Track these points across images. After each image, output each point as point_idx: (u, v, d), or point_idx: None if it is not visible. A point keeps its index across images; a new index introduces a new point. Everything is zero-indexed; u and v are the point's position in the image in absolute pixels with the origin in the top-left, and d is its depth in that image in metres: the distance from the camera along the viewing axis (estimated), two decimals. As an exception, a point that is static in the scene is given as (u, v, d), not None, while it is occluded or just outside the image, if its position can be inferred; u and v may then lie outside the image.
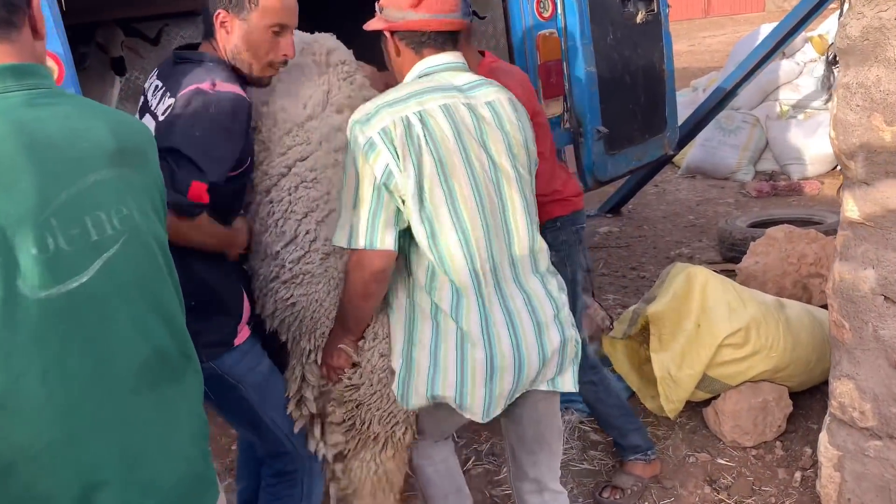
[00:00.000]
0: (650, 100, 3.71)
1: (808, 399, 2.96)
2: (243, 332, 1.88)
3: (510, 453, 2.00)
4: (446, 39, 1.74)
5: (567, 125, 3.38)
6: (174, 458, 1.17)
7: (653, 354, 2.81)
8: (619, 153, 3.51)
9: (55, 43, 2.06)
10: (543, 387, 1.83)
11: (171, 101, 1.72)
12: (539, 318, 1.75)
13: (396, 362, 1.82)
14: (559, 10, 3.19)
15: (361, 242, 1.65)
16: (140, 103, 1.90)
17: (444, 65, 1.73)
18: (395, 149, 1.61)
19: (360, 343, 1.87)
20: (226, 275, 1.86)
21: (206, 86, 1.69)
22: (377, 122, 1.63)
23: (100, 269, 1.08)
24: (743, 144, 6.21)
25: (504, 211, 1.74)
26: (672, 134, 3.88)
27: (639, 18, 3.52)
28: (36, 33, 1.16)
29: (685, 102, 6.78)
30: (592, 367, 2.54)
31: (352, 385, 1.90)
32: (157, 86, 1.84)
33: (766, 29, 6.02)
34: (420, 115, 1.64)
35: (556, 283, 1.84)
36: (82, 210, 1.07)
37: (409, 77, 1.75)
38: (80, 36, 5.25)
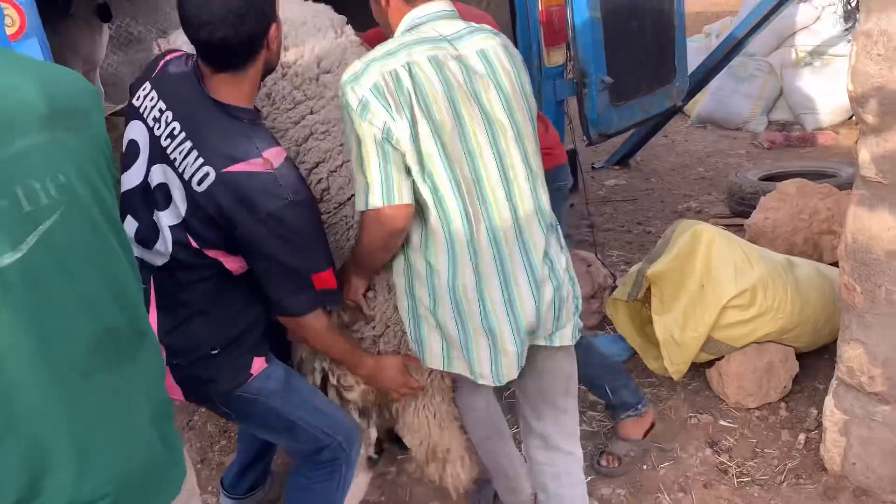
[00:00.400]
0: (658, 48, 3.54)
1: (815, 359, 2.88)
2: (257, 363, 1.80)
3: (517, 409, 2.01)
4: None
5: (570, 75, 3.24)
6: (132, 443, 1.10)
7: (655, 317, 2.73)
8: (626, 105, 3.37)
9: (15, -12, 1.94)
10: (541, 342, 1.80)
11: (210, 172, 1.58)
12: (536, 274, 1.72)
13: (406, 324, 1.82)
14: (562, -48, 3.01)
15: (378, 201, 1.60)
16: (128, 111, 1.76)
17: (434, 13, 1.67)
18: (388, 104, 1.56)
19: (372, 295, 1.90)
20: (255, 320, 1.80)
21: (260, 166, 1.58)
22: (367, 79, 1.58)
23: (36, 243, 0.98)
24: (757, 93, 6.01)
25: (503, 167, 1.69)
26: (682, 84, 3.72)
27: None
28: None
29: (697, 49, 6.55)
30: None
31: (372, 338, 1.94)
32: (160, 111, 1.68)
33: (783, -29, 5.75)
34: (408, 67, 1.59)
35: (555, 241, 1.80)
36: (11, 179, 0.97)
37: (399, 30, 1.69)
38: (66, -20, 5.09)
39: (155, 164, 1.68)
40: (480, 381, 1.77)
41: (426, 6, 1.67)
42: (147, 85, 1.72)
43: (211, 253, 1.65)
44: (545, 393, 1.92)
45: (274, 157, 1.61)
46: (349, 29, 2.02)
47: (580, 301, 1.85)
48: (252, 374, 1.77)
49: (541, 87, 3.20)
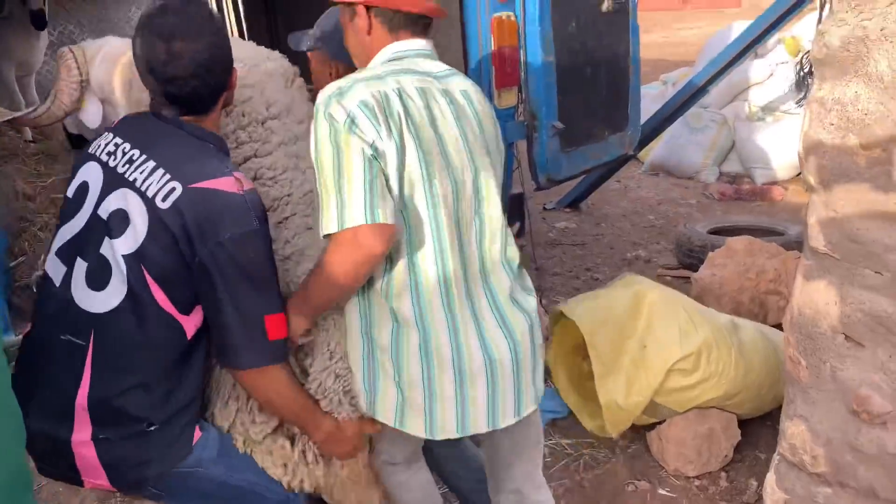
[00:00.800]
0: (612, 95, 3.48)
1: (758, 425, 2.79)
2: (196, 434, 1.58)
3: (487, 467, 1.91)
4: (423, 25, 1.64)
5: (521, 118, 3.13)
6: None
7: (597, 380, 2.60)
8: (576, 150, 3.28)
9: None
10: (525, 399, 1.69)
11: (176, 186, 1.46)
12: (506, 318, 1.64)
13: (357, 367, 1.67)
14: (517, -9, 2.92)
15: (359, 218, 1.43)
16: (77, 160, 1.61)
17: (417, 50, 1.63)
18: (377, 120, 1.47)
19: (309, 362, 1.68)
20: (199, 389, 1.60)
21: (231, 185, 1.48)
22: (354, 95, 1.48)
23: None
24: (709, 144, 6.04)
25: (479, 205, 1.63)
26: (634, 132, 3.66)
27: (604, 7, 3.27)
28: None
29: (654, 96, 6.59)
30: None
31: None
32: (117, 145, 1.56)
33: (739, 26, 5.83)
34: (399, 92, 1.52)
35: (520, 286, 1.71)
36: None
37: (377, 60, 1.62)
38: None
39: (110, 193, 1.52)
40: (439, 436, 1.63)
41: (410, 41, 1.62)
42: (103, 134, 1.62)
43: (159, 296, 1.46)
44: (519, 446, 1.82)
45: (244, 179, 1.52)
46: (300, 81, 1.92)
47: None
48: (192, 449, 1.55)
49: (490, 128, 3.09)
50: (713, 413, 2.59)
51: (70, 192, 1.59)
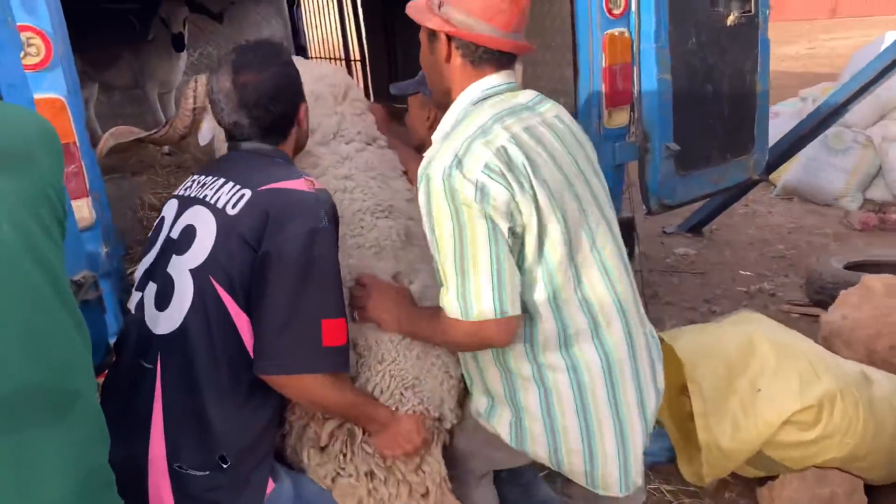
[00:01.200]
0: (736, 115, 3.22)
1: (890, 493, 2.47)
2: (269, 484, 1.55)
3: None
4: (508, 60, 1.52)
5: (633, 138, 2.97)
6: None
7: (697, 417, 2.39)
8: (693, 174, 3.06)
9: (44, 19, 1.85)
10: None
11: (245, 192, 1.47)
12: (656, 367, 1.60)
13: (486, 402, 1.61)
14: (633, 8, 2.77)
15: (486, 312, 1.37)
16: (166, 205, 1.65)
17: (505, 85, 1.52)
18: (508, 182, 1.38)
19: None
20: (271, 420, 1.56)
21: (301, 185, 1.49)
22: (475, 159, 1.39)
23: None
24: (852, 167, 5.52)
25: (613, 235, 1.56)
26: (760, 155, 3.38)
27: (730, 20, 3.04)
28: None
29: (792, 114, 6.14)
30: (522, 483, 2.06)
31: None
32: (198, 182, 1.60)
33: (891, 36, 5.32)
34: (514, 140, 1.42)
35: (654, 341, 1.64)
36: None
37: (463, 98, 1.52)
38: (148, 9, 5.25)
39: (182, 214, 1.55)
40: (602, 493, 1.56)
41: (496, 76, 1.51)
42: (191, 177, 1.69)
43: (228, 301, 1.44)
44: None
45: (316, 182, 1.54)
46: (353, 93, 1.91)
47: None
48: (266, 498, 1.51)
49: (598, 148, 2.94)
50: (835, 475, 2.31)
51: (151, 232, 1.62)
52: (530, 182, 1.40)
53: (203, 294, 1.44)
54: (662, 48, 2.80)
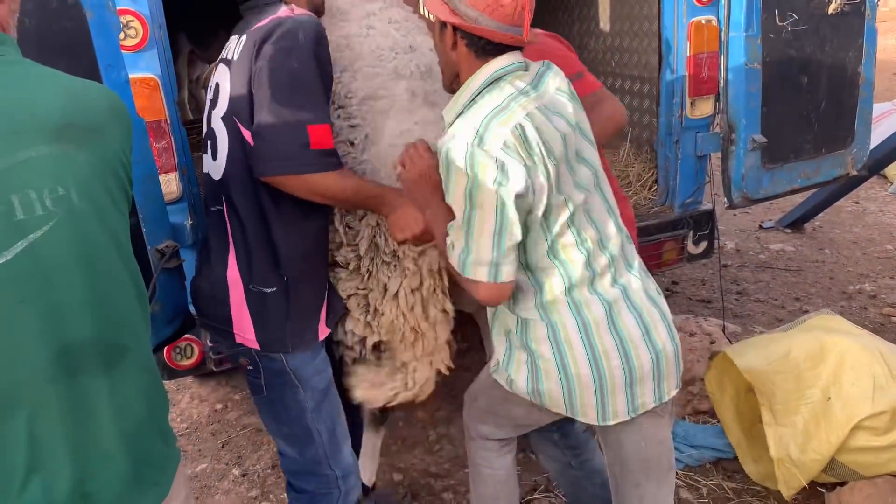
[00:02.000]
0: (834, 107, 3.06)
1: (973, 511, 2.33)
2: (323, 330, 1.80)
3: (613, 488, 1.83)
4: (507, 48, 1.61)
5: (717, 129, 2.89)
6: (88, 455, 1.09)
7: (767, 429, 2.33)
8: (781, 168, 2.94)
9: (143, 4, 2.03)
10: (649, 401, 1.65)
11: (243, 38, 1.68)
12: (645, 319, 1.63)
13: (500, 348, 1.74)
14: (722, -7, 2.69)
15: (481, 275, 1.56)
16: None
17: (511, 66, 1.61)
18: (523, 159, 1.51)
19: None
20: (322, 258, 1.80)
21: (283, 13, 1.65)
22: (493, 137, 1.51)
23: (23, 250, 1.01)
24: (979, 166, 5.11)
25: (604, 204, 1.66)
26: (860, 150, 3.19)
27: (831, 9, 2.88)
28: None
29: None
30: (573, 447, 2.07)
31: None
32: (228, 45, 1.80)
33: None
34: (531, 118, 1.54)
35: (653, 285, 1.72)
36: (8, 188, 1.00)
37: (476, 84, 1.61)
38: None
39: (215, 74, 1.78)
40: (580, 419, 1.67)
41: (501, 59, 1.60)
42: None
43: (246, 132, 1.64)
44: (650, 465, 1.74)
45: (297, 9, 1.67)
46: None
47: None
48: (318, 338, 1.76)
49: (679, 138, 2.89)
50: (908, 486, 2.21)
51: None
52: (543, 159, 1.52)
53: (233, 135, 1.65)
54: (752, 37, 2.70)
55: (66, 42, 1.60)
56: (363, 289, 1.88)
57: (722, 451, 2.69)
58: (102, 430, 1.10)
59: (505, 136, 1.50)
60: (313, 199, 1.65)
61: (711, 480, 2.62)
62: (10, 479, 1.03)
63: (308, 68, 1.59)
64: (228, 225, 1.72)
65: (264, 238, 1.69)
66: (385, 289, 1.86)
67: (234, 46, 1.72)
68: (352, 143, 1.83)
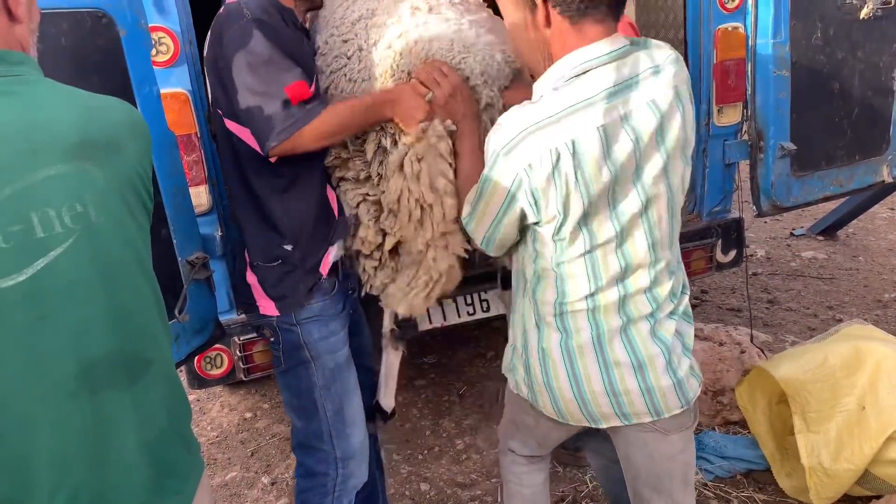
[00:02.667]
0: (868, 113, 3.01)
1: None
2: (326, 263, 1.87)
3: (630, 499, 1.83)
4: (611, 8, 1.42)
5: (745, 136, 2.86)
6: (110, 467, 1.11)
7: (798, 437, 2.30)
8: (812, 175, 2.90)
9: (174, 20, 2.08)
10: (646, 419, 1.63)
11: (209, 33, 1.75)
12: (639, 355, 1.58)
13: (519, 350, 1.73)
14: (749, 1, 2.66)
15: (478, 239, 1.65)
16: None
17: (605, 56, 1.43)
18: (538, 191, 1.45)
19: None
20: (324, 218, 1.88)
21: (228, 4, 1.72)
22: (522, 154, 1.43)
23: (43, 267, 1.03)
24: None
25: (650, 243, 1.54)
26: None
27: (863, 13, 2.85)
28: (12, 17, 1.09)
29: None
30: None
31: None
32: None
33: None
34: (573, 145, 1.41)
35: (678, 328, 1.62)
36: (28, 206, 1.02)
37: (558, 71, 1.46)
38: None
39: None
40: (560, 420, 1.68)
41: (596, 46, 1.42)
42: None
43: (227, 121, 1.75)
44: (661, 481, 1.72)
45: None
46: None
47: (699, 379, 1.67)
48: (322, 274, 1.84)
49: (707, 146, 2.87)
50: (946, 501, 2.16)
51: None
52: (566, 195, 1.44)
53: (219, 125, 1.77)
54: (781, 44, 2.67)
55: (99, 59, 1.64)
56: (373, 195, 1.90)
57: (753, 463, 2.65)
58: (124, 442, 1.12)
59: (535, 156, 1.42)
60: (324, 144, 1.74)
61: (742, 492, 2.59)
62: (34, 494, 1.04)
63: (259, 41, 1.64)
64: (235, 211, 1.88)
65: (263, 218, 1.80)
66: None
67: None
68: (348, 57, 1.86)
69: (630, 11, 3.47)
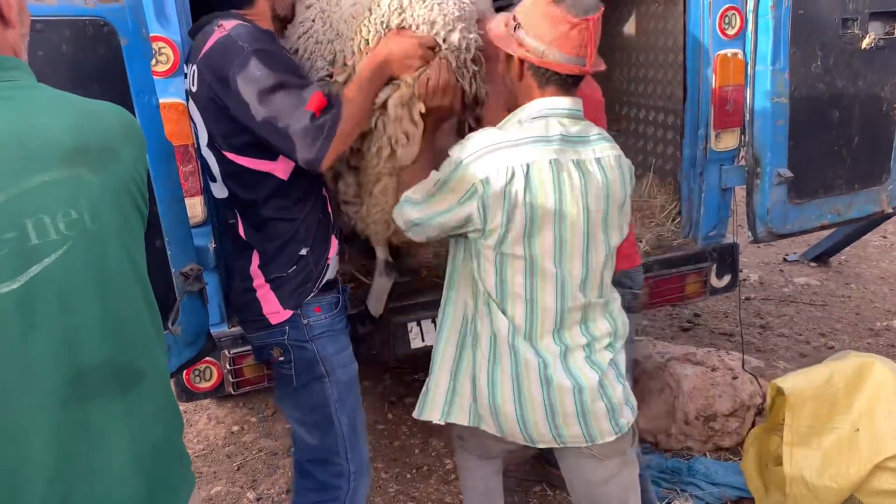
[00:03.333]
0: (868, 143, 3.02)
1: None
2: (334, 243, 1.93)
3: None
4: (573, 82, 1.68)
5: (742, 162, 2.87)
6: (101, 479, 1.09)
7: (785, 447, 2.29)
8: (809, 203, 2.91)
9: (175, 30, 2.07)
10: (575, 440, 1.72)
11: (194, 67, 1.75)
12: (578, 379, 1.68)
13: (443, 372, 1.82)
14: (749, 28, 2.68)
15: (413, 217, 1.71)
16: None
17: (564, 110, 1.67)
18: (489, 201, 1.59)
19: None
20: (327, 222, 1.93)
21: (217, 34, 1.72)
22: (483, 166, 1.60)
23: (37, 274, 1.01)
24: None
25: (586, 285, 1.70)
26: (896, 187, 3.15)
27: (865, 43, 2.86)
28: (4, 21, 1.08)
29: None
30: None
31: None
32: (188, 69, 1.87)
33: None
34: (527, 168, 1.60)
35: (609, 353, 1.75)
36: (23, 213, 1.00)
37: (524, 111, 1.68)
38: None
39: (191, 108, 1.85)
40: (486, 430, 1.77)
41: (559, 99, 1.66)
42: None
43: (231, 156, 1.77)
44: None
45: (228, 25, 1.73)
46: None
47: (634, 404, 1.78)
48: (329, 259, 1.89)
49: (704, 170, 2.88)
50: (937, 535, 2.15)
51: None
52: (512, 209, 1.59)
53: (220, 159, 1.79)
54: (780, 71, 2.68)
55: (101, 67, 1.62)
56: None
57: (743, 490, 2.64)
58: (117, 453, 1.10)
59: (491, 172, 1.58)
60: (360, 129, 1.78)
61: (731, 521, 2.57)
62: (29, 494, 1.03)
63: (265, 71, 1.65)
64: (243, 233, 1.87)
65: (275, 234, 1.83)
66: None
67: (190, 76, 1.79)
68: (312, 20, 1.89)
69: (630, 32, 3.49)
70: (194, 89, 1.76)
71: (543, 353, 1.68)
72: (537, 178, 1.59)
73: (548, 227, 1.62)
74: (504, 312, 1.68)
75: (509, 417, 1.70)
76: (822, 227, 3.24)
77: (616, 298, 1.82)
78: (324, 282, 1.89)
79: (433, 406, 1.81)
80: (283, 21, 1.94)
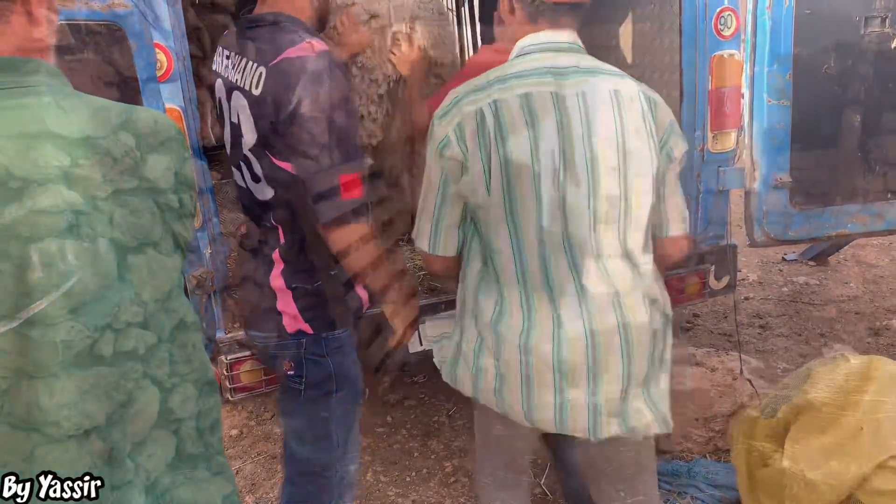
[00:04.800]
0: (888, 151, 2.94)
1: None
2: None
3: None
4: (565, 14, 1.57)
5: (739, 164, 2.85)
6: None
7: (787, 443, 2.27)
8: (822, 210, 2.82)
9: (168, 36, 2.06)
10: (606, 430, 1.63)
11: (262, 70, 1.65)
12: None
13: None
14: (748, 29, 2.66)
15: (424, 246, 1.66)
16: (214, 74, 1.88)
17: (547, 44, 1.57)
18: (466, 147, 1.53)
19: None
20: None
21: (304, 49, 1.62)
22: (453, 116, 1.54)
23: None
24: None
25: (592, 213, 1.53)
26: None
27: (894, 44, 2.80)
28: (31, 18, 1.01)
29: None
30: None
31: None
32: (227, 56, 1.80)
33: None
34: (494, 105, 1.51)
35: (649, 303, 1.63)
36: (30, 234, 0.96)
37: (513, 52, 1.61)
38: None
39: (230, 100, 1.76)
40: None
41: (547, 33, 1.57)
42: (219, 48, 1.88)
43: (282, 163, 1.69)
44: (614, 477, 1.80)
45: (317, 43, 1.64)
46: None
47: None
48: (365, 304, 1.87)
49: (701, 172, 2.86)
50: (938, 537, 2.13)
51: (217, 109, 1.87)
52: (489, 151, 1.50)
53: (267, 165, 1.69)
54: (781, 72, 2.65)
55: (114, 72, 1.64)
56: None
57: (730, 489, 2.62)
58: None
59: (461, 117, 1.52)
60: (340, 247, 1.71)
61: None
62: None
63: (337, 111, 1.61)
64: (282, 237, 1.79)
65: (312, 246, 1.77)
66: None
67: (245, 71, 1.70)
68: None
69: (626, 35, 3.48)
70: (250, 88, 1.67)
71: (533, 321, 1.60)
72: (507, 117, 1.50)
73: (525, 170, 1.51)
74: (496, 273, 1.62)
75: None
76: (844, 237, 3.14)
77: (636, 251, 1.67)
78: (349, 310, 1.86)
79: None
80: (321, 20, 1.89)
